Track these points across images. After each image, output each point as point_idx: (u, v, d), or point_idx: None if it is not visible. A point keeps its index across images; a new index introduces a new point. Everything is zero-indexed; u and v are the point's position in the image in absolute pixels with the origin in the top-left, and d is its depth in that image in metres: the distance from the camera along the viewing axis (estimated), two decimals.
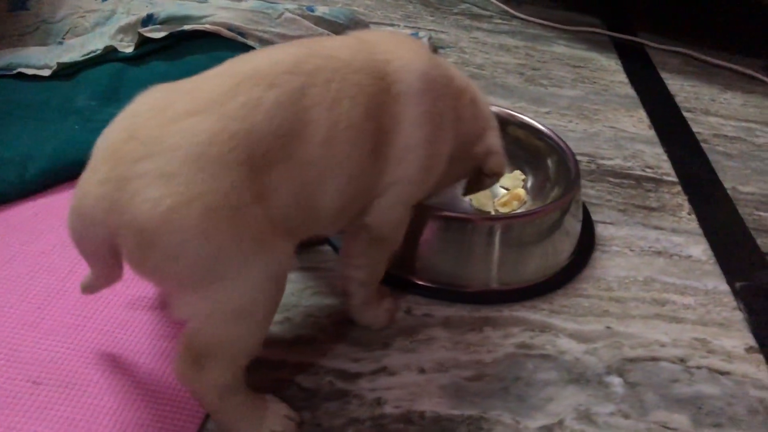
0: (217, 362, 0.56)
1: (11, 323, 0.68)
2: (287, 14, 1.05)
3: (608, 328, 0.78)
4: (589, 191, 1.02)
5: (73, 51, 1.06)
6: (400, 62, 0.63)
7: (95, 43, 1.05)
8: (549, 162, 0.95)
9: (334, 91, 0.57)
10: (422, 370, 0.70)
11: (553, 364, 0.73)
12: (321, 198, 0.58)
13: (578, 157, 1.07)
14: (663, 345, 0.77)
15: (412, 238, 0.81)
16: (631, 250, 0.91)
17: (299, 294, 0.78)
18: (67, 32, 1.14)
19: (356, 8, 1.58)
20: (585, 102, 1.29)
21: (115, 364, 0.66)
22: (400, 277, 0.81)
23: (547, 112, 1.23)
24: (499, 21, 1.63)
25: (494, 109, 0.93)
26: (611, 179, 1.06)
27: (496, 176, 0.78)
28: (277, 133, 0.53)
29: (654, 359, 0.75)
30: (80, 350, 0.67)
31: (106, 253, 0.54)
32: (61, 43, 1.11)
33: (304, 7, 1.10)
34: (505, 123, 0.97)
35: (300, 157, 0.55)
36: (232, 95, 0.52)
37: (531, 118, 0.99)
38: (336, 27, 1.11)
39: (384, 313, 0.74)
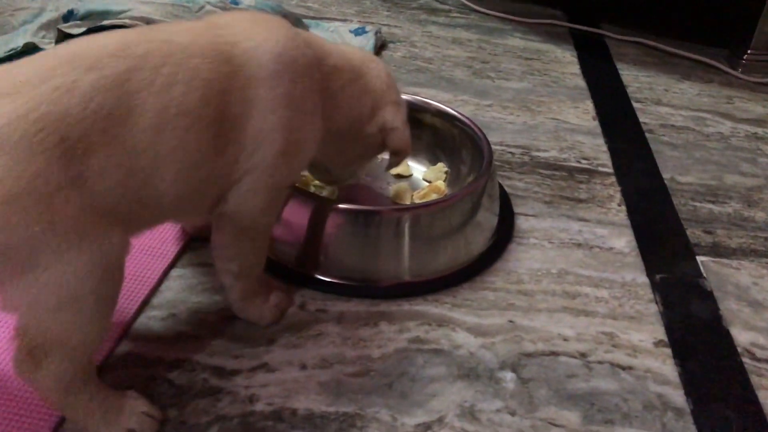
0: (53, 356, 0.54)
1: None
2: (208, 7, 1.03)
3: (511, 322, 0.75)
4: (516, 183, 0.99)
5: None
6: (249, 44, 0.60)
7: (17, 41, 1.04)
8: (464, 151, 0.92)
9: (165, 76, 0.55)
10: (304, 367, 0.68)
11: (444, 359, 0.70)
12: (157, 186, 0.56)
13: (512, 150, 1.05)
14: (566, 339, 0.74)
15: (313, 233, 0.79)
16: (550, 243, 0.88)
17: (189, 290, 0.76)
18: None
19: (311, 4, 1.57)
20: (531, 94, 1.26)
21: None
22: (301, 273, 0.79)
23: (489, 105, 1.21)
24: (457, 15, 1.60)
25: (407, 97, 0.91)
26: (542, 171, 1.03)
27: (399, 153, 0.76)
28: (95, 117, 0.51)
29: (553, 354, 0.72)
30: None
31: None
32: None
33: (229, 0, 1.09)
34: (421, 111, 0.95)
35: (125, 143, 0.53)
36: (47, 77, 0.50)
37: (448, 106, 0.96)
38: None
39: (270, 310, 0.72)
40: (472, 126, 0.92)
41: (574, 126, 1.16)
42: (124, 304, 0.72)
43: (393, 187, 0.93)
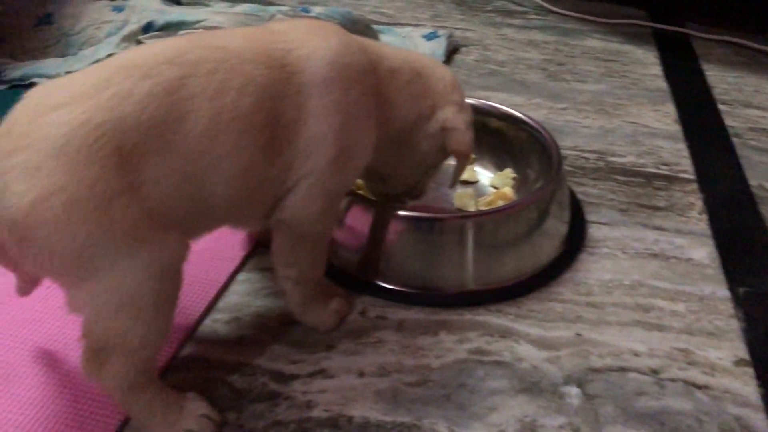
0: (116, 357, 0.55)
1: None
2: (279, 16, 1.05)
3: (578, 335, 0.72)
4: (590, 190, 0.96)
5: (83, 60, 1.10)
6: (303, 51, 0.61)
7: (101, 52, 1.09)
8: (532, 156, 0.90)
9: (218, 82, 0.56)
10: (361, 374, 0.68)
11: (505, 372, 0.68)
12: (211, 191, 0.57)
13: (586, 155, 1.02)
14: (636, 354, 0.70)
15: (374, 240, 0.78)
16: (624, 252, 0.84)
17: (253, 294, 0.77)
18: (84, 43, 1.19)
19: (385, 10, 1.57)
20: (608, 97, 1.21)
21: (52, 360, 0.67)
22: (362, 279, 0.79)
23: (563, 108, 1.17)
24: (534, 17, 1.57)
25: (472, 101, 0.89)
26: (618, 177, 0.99)
27: (460, 156, 0.74)
28: (150, 124, 0.52)
29: (622, 369, 0.69)
30: (24, 345, 0.69)
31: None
32: (75, 54, 1.16)
33: (299, 8, 1.10)
34: (486, 115, 0.93)
35: (179, 149, 0.54)
36: (103, 87, 0.52)
37: (515, 109, 0.94)
38: None
39: (330, 315, 0.72)
40: (541, 129, 0.89)
41: (653, 130, 1.11)
42: (190, 307, 0.73)
43: (457, 194, 0.91)
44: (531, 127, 0.91)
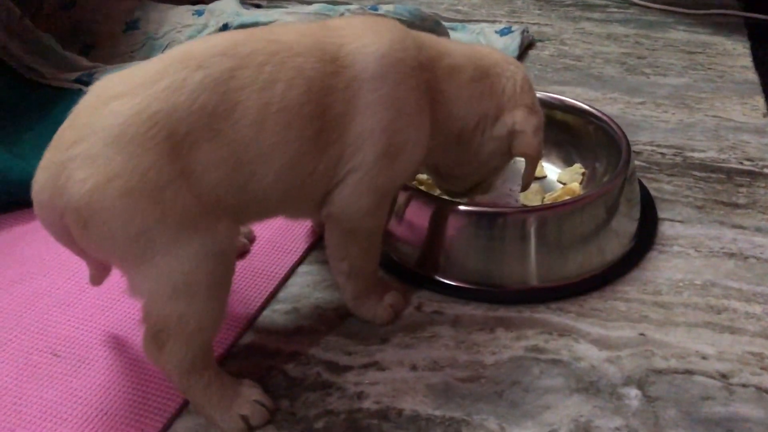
0: (173, 341, 0.58)
1: (49, 303, 0.76)
2: (347, 14, 1.06)
3: (642, 335, 0.70)
4: (664, 186, 0.91)
5: None
6: (354, 45, 0.61)
7: None
8: (601, 151, 0.87)
9: (267, 74, 0.57)
10: (414, 367, 0.67)
11: (562, 371, 0.66)
12: (261, 180, 0.58)
13: (663, 150, 0.98)
14: (704, 357, 0.67)
15: (434, 235, 0.78)
16: (697, 251, 0.80)
17: (313, 286, 0.78)
18: (167, 46, 1.24)
19: (461, 7, 1.56)
20: (690, 90, 1.16)
21: (123, 344, 0.71)
22: (421, 274, 0.79)
23: (641, 103, 1.13)
24: (614, 10, 1.52)
25: (540, 94, 0.87)
26: (696, 173, 0.94)
27: (528, 159, 0.73)
28: (201, 113, 0.54)
29: (688, 372, 0.65)
30: (99, 330, 0.73)
31: (66, 236, 0.57)
32: None
33: (367, 7, 1.11)
34: (552, 108, 0.91)
35: (229, 138, 0.55)
36: (159, 78, 0.54)
37: (584, 103, 0.91)
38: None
39: (384, 309, 0.72)
40: (610, 122, 0.86)
41: (738, 124, 1.05)
42: (251, 297, 0.76)
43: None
44: (600, 120, 0.88)
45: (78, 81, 1.15)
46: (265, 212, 0.64)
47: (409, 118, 0.64)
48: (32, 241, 0.85)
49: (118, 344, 0.71)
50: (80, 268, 0.79)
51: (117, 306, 0.75)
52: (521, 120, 0.71)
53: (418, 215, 0.79)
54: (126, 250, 0.54)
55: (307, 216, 0.69)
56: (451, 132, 0.70)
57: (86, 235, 0.54)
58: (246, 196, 0.58)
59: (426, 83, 0.65)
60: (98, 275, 0.67)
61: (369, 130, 0.61)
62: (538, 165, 0.92)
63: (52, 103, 1.10)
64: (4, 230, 0.88)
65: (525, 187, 0.78)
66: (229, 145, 0.56)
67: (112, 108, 0.53)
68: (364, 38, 0.62)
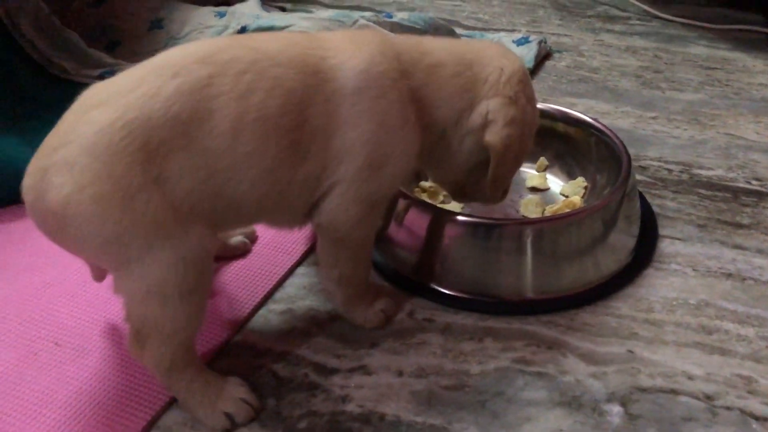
0: (152, 340, 0.59)
1: (55, 294, 0.79)
2: (362, 21, 1.07)
3: (630, 352, 0.70)
4: (668, 203, 0.91)
5: None
6: (337, 59, 0.62)
7: None
8: (602, 165, 0.87)
9: (246, 83, 0.57)
10: (400, 373, 0.68)
11: (546, 384, 0.67)
12: (236, 188, 0.59)
13: (670, 166, 0.98)
14: (691, 378, 0.67)
15: (430, 243, 0.79)
16: (695, 270, 0.80)
17: (308, 288, 0.79)
18: None
19: (482, 15, 1.57)
20: (705, 107, 1.15)
21: (121, 337, 0.73)
22: (416, 281, 0.80)
23: (653, 117, 1.12)
24: (636, 22, 1.51)
25: (542, 105, 0.86)
26: (702, 191, 0.93)
27: (492, 152, 0.67)
28: (175, 120, 0.55)
29: (673, 392, 0.65)
30: (99, 323, 0.75)
31: (54, 237, 0.59)
32: None
33: (382, 15, 1.12)
34: (556, 120, 0.91)
35: (204, 146, 0.56)
36: (136, 86, 0.55)
37: (586, 115, 0.91)
38: (414, 33, 1.11)
39: (375, 315, 0.73)
40: (612, 136, 0.86)
41: (750, 142, 1.04)
42: (247, 296, 0.77)
43: (524, 200, 0.90)
44: (602, 133, 0.88)
45: (100, 77, 1.18)
46: (242, 219, 0.65)
47: (391, 131, 0.63)
48: (43, 234, 0.88)
49: (116, 337, 0.73)
50: None
51: (119, 300, 0.77)
52: (495, 108, 0.66)
53: (416, 223, 0.80)
54: (101, 253, 0.56)
55: (289, 225, 0.69)
56: (436, 134, 0.68)
57: (65, 237, 0.56)
58: (220, 203, 0.59)
59: (409, 92, 0.64)
60: (98, 273, 0.69)
61: (350, 144, 0.62)
62: (543, 177, 0.93)
63: (73, 98, 1.13)
64: (17, 220, 0.91)
65: (492, 190, 0.72)
66: (203, 152, 0.56)
67: (90, 117, 0.55)
68: (346, 53, 0.62)
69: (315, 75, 0.61)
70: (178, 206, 0.56)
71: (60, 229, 0.56)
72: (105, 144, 0.54)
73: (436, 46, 0.69)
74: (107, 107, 0.55)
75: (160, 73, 0.56)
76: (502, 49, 0.72)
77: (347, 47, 0.63)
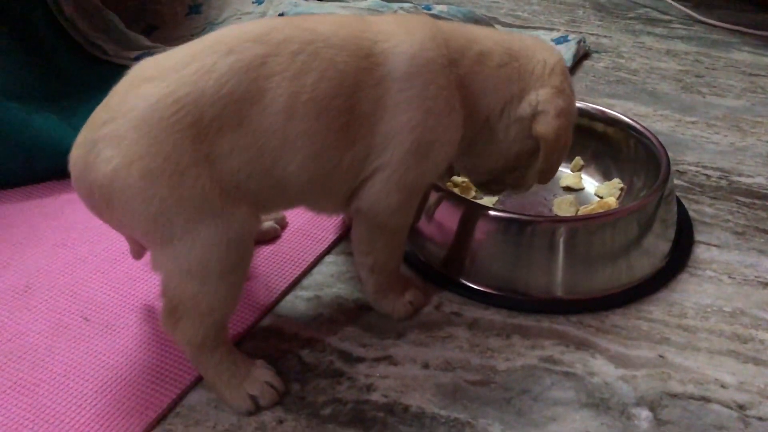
0: (187, 318, 0.60)
1: (87, 269, 0.80)
2: (400, 12, 1.07)
3: (661, 356, 0.68)
4: (705, 209, 0.89)
5: None
6: (387, 44, 0.61)
7: None
8: (640, 167, 0.85)
9: (300, 63, 0.57)
10: (426, 366, 0.68)
11: (574, 384, 0.66)
12: (284, 169, 0.59)
13: (708, 171, 0.96)
14: (723, 386, 0.65)
15: (461, 237, 0.78)
16: (731, 278, 0.78)
17: (337, 276, 0.79)
18: None
19: (520, 13, 1.55)
20: (746, 113, 1.12)
21: (149, 314, 0.73)
22: (445, 275, 0.79)
23: (693, 122, 1.10)
24: (678, 26, 1.48)
25: (580, 104, 0.85)
26: (740, 198, 0.91)
27: (543, 141, 0.67)
28: (228, 98, 0.55)
29: (704, 399, 0.64)
30: (129, 299, 0.75)
31: (98, 210, 0.59)
32: None
33: (421, 6, 1.11)
34: (594, 119, 0.90)
35: (256, 125, 0.56)
36: (189, 62, 0.55)
37: (629, 117, 0.89)
38: None
39: (404, 305, 0.72)
40: (652, 139, 0.85)
41: None
42: (275, 282, 0.77)
43: (558, 199, 0.89)
44: (642, 135, 0.86)
45: (137, 59, 1.19)
46: (287, 201, 0.65)
47: (438, 118, 0.63)
48: (78, 209, 0.87)
49: (145, 314, 0.73)
50: (120, 237, 0.82)
51: (149, 277, 0.78)
52: (545, 99, 0.67)
53: (448, 216, 0.79)
54: (145, 229, 0.56)
55: (331, 210, 0.69)
56: (479, 123, 0.68)
57: (110, 211, 0.56)
58: (268, 183, 0.59)
59: (456, 80, 0.64)
60: (137, 249, 0.70)
61: (397, 129, 0.61)
62: (578, 176, 0.92)
63: (110, 79, 1.12)
64: (53, 196, 0.92)
65: (542, 180, 0.73)
66: (254, 131, 0.56)
67: (141, 91, 0.55)
68: (396, 37, 0.62)
69: (367, 58, 0.60)
70: (226, 185, 0.56)
71: (106, 203, 0.56)
72: (156, 119, 0.54)
73: (482, 34, 0.68)
74: (159, 82, 0.55)
75: (215, 49, 0.56)
76: (544, 43, 0.72)
77: (399, 31, 0.63)
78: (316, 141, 0.59)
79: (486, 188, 0.80)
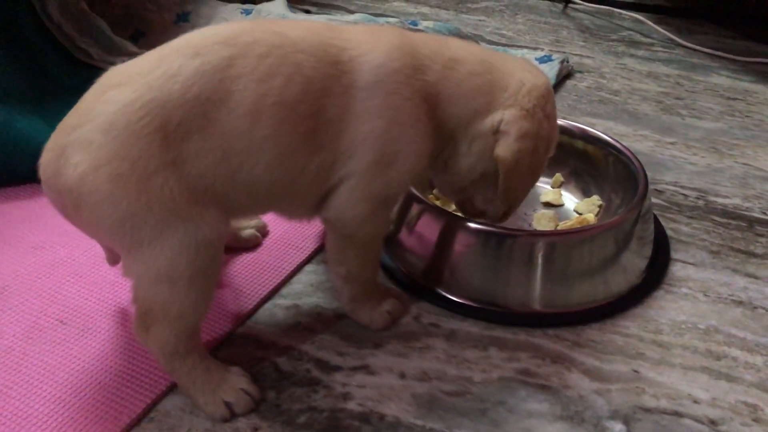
0: (158, 324, 0.59)
1: (64, 272, 0.79)
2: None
3: (635, 371, 0.69)
4: (682, 227, 0.91)
5: None
6: (354, 52, 0.61)
7: None
8: (618, 184, 0.87)
9: (267, 66, 0.57)
10: (403, 376, 0.68)
11: (549, 396, 0.66)
12: (251, 172, 0.58)
13: (686, 191, 0.97)
14: (696, 401, 0.66)
15: (441, 249, 0.79)
16: (705, 296, 0.79)
17: (316, 285, 0.79)
18: None
19: (505, 32, 1.57)
20: (724, 136, 1.14)
21: (126, 319, 0.73)
22: (424, 286, 0.79)
23: (672, 143, 1.12)
24: (660, 49, 1.51)
25: (561, 122, 0.87)
26: (716, 218, 0.93)
27: (501, 166, 0.65)
28: (195, 101, 0.55)
29: (676, 414, 0.65)
30: (106, 303, 0.75)
31: (68, 215, 0.59)
32: None
33: (407, 22, 1.12)
34: (574, 137, 0.91)
35: (221, 127, 0.56)
36: (156, 66, 0.55)
37: (606, 134, 0.91)
38: None
39: (381, 315, 0.73)
40: (631, 157, 0.86)
41: None
42: (254, 289, 0.77)
43: (537, 215, 0.90)
44: (620, 153, 0.88)
45: None
46: (255, 206, 0.65)
47: (402, 129, 0.63)
48: (57, 213, 0.88)
49: (121, 318, 0.73)
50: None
51: (126, 282, 0.77)
52: (509, 120, 0.64)
53: (429, 228, 0.79)
54: (114, 234, 0.56)
55: (300, 216, 0.68)
56: (446, 134, 0.67)
57: (79, 216, 0.56)
58: (236, 186, 0.59)
59: (423, 89, 0.64)
60: (111, 256, 0.69)
61: (362, 138, 0.61)
62: (558, 193, 0.93)
63: None
64: (33, 198, 0.92)
65: (497, 212, 0.72)
66: (220, 134, 0.56)
67: (109, 96, 0.55)
68: (364, 46, 0.62)
69: (334, 65, 0.60)
70: (193, 189, 0.56)
71: (75, 207, 0.56)
72: (123, 124, 0.54)
73: (457, 44, 0.67)
74: (126, 87, 0.55)
75: (181, 53, 0.56)
76: (529, 65, 0.70)
77: (367, 40, 0.63)
78: (281, 144, 0.59)
79: (463, 210, 0.78)
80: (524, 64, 0.70)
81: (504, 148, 0.65)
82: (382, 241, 0.71)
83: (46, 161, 0.57)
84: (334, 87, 0.60)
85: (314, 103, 0.59)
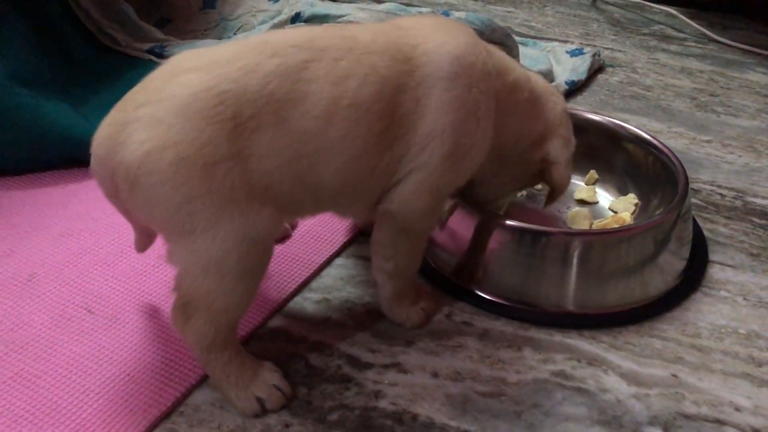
0: (199, 315, 0.58)
1: (91, 261, 0.78)
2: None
3: (674, 376, 0.67)
4: (720, 228, 0.88)
5: None
6: (429, 46, 0.61)
7: None
8: (657, 184, 0.84)
9: (342, 69, 0.57)
10: (435, 375, 0.67)
11: (586, 400, 0.65)
12: (320, 173, 0.58)
13: (723, 191, 0.95)
14: (738, 409, 0.64)
15: (475, 247, 0.77)
16: (745, 299, 0.77)
17: (346, 279, 0.78)
18: (239, 29, 1.27)
19: (534, 24, 1.55)
20: (761, 134, 1.12)
21: (155, 310, 0.72)
22: (457, 284, 0.78)
23: (707, 141, 1.09)
24: (693, 44, 1.47)
25: (599, 118, 0.85)
26: (755, 219, 0.90)
27: (558, 189, 0.75)
28: (270, 98, 0.54)
29: (718, 422, 0.63)
30: (134, 293, 0.74)
31: (115, 195, 0.58)
32: (230, 37, 1.24)
33: (440, 11, 1.10)
34: (614, 135, 0.89)
35: (295, 127, 0.56)
36: (234, 59, 0.55)
37: (648, 133, 0.88)
38: None
39: (417, 313, 0.71)
40: (671, 156, 0.84)
41: None
42: (284, 283, 0.76)
43: (572, 212, 0.88)
44: (660, 152, 0.85)
45: (150, 51, 1.18)
46: (318, 206, 0.64)
47: (477, 122, 0.63)
48: (84, 200, 0.88)
49: (150, 309, 0.72)
50: (126, 230, 0.80)
51: (155, 271, 0.77)
52: (556, 151, 0.73)
53: (462, 225, 0.78)
54: (167, 218, 0.55)
55: (358, 214, 0.68)
56: (500, 144, 0.69)
57: (133, 196, 0.55)
58: (302, 187, 0.58)
59: (494, 90, 0.65)
60: (143, 241, 0.68)
61: (439, 130, 0.61)
62: (592, 190, 0.91)
63: (122, 70, 1.14)
64: (60, 185, 0.91)
65: (545, 206, 0.82)
66: (294, 133, 0.56)
67: (184, 79, 0.54)
68: (438, 39, 0.62)
69: (407, 62, 0.60)
70: (255, 184, 0.55)
71: (130, 186, 0.54)
72: (197, 108, 0.53)
73: (514, 65, 0.71)
74: (203, 73, 0.54)
75: (260, 50, 0.56)
76: (548, 85, 0.76)
77: (439, 34, 0.63)
78: (356, 146, 0.58)
79: (479, 201, 0.80)
80: (548, 87, 0.75)
81: (559, 177, 0.74)
82: (429, 236, 0.71)
83: (103, 135, 0.56)
84: (409, 82, 0.60)
85: (390, 101, 0.59)
